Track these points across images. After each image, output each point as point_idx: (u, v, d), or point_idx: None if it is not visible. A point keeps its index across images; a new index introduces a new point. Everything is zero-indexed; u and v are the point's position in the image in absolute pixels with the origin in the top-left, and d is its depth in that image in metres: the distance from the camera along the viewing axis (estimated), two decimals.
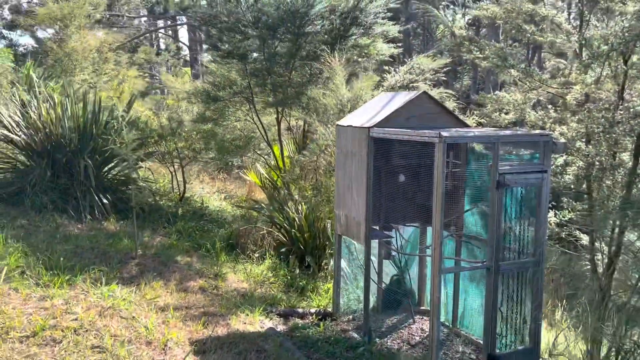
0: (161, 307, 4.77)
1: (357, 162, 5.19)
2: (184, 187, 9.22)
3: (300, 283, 6.45)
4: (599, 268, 6.32)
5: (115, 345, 3.86)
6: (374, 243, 5.58)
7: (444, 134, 4.12)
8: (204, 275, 6.01)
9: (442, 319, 5.64)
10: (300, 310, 5.75)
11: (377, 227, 5.57)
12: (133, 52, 20.23)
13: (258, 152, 10.76)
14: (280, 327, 5.21)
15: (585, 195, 6.06)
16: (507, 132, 4.68)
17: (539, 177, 4.49)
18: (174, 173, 9.35)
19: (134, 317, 4.34)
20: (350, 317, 5.77)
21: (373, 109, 5.44)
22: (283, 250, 7.17)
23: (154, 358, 3.83)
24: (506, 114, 6.92)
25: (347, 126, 5.36)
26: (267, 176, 10.24)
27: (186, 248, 6.88)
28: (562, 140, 5.07)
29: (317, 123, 6.32)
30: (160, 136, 8.23)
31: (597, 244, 6.40)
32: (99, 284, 4.88)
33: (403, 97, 5.22)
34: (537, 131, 4.90)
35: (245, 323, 4.94)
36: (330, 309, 5.83)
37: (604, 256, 6.20)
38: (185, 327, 4.49)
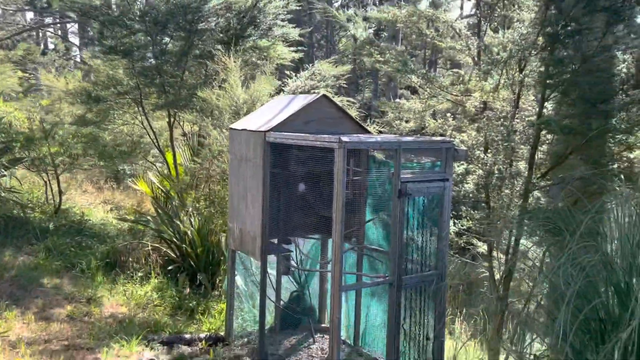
0: (11, 343, 3.94)
1: (252, 168, 4.70)
2: (60, 198, 8.16)
3: (190, 304, 5.81)
4: (496, 276, 6.33)
5: None
6: (272, 257, 5.12)
7: (345, 139, 3.76)
8: (74, 300, 5.19)
9: (343, 336, 5.29)
10: (187, 336, 5.12)
11: (275, 241, 5.12)
12: (11, 50, 18.22)
13: (150, 159, 9.91)
14: (163, 358, 4.56)
15: (484, 204, 6.04)
16: (409, 138, 4.44)
17: (441, 185, 4.28)
18: (48, 182, 8.27)
19: None
20: (246, 339, 5.24)
21: (270, 112, 5.00)
22: (171, 267, 6.47)
23: None
24: (407, 122, 6.79)
25: (242, 130, 4.86)
26: (160, 186, 9.42)
27: (56, 268, 5.97)
28: (463, 147, 4.95)
29: (211, 127, 5.75)
30: (28, 140, 7.18)
31: (494, 253, 6.42)
32: None
33: (302, 100, 4.83)
34: (439, 138, 4.73)
35: (119, 357, 4.24)
36: (222, 333, 5.26)
37: (501, 265, 6.21)
38: None
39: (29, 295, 4.94)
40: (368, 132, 5.11)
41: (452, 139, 4.39)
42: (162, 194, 9.09)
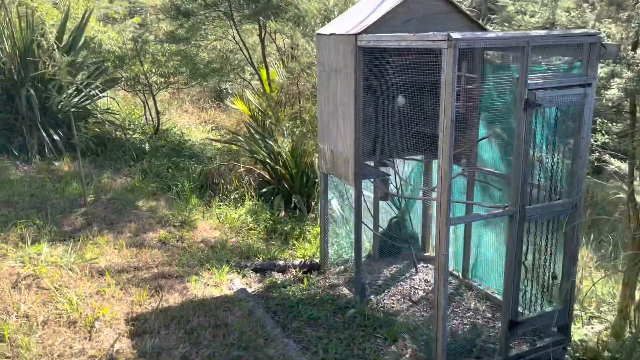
0: (100, 271, 3.84)
1: (342, 80, 4.04)
2: (157, 118, 8.11)
3: (285, 228, 5.50)
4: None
5: (20, 330, 2.95)
6: (367, 182, 4.56)
7: (455, 35, 2.94)
8: (167, 224, 5.07)
9: (451, 266, 4.71)
10: (281, 262, 4.83)
11: (371, 163, 4.52)
12: None
13: (246, 77, 9.53)
14: (255, 287, 4.31)
15: (627, 115, 4.92)
16: (540, 32, 3.49)
17: (580, 92, 3.35)
18: (146, 102, 8.22)
19: (58, 287, 3.41)
20: (342, 267, 4.86)
21: (362, 11, 4.21)
22: (266, 190, 6.17)
23: (71, 346, 2.93)
24: (531, 16, 5.63)
25: (330, 35, 4.16)
26: (256, 104, 9.09)
27: (152, 190, 5.90)
28: (612, 42, 3.86)
29: (299, 35, 5.10)
30: (119, 58, 7.01)
31: (637, 175, 5.34)
32: (22, 243, 3.93)
33: None
34: (580, 30, 3.69)
35: (208, 285, 4.03)
36: (317, 260, 4.90)
37: None
38: (126, 297, 3.57)
39: (123, 219, 4.87)
40: (483, 28, 4.18)
41: (597, 31, 3.37)
42: (259, 113, 8.76)
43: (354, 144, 4.01)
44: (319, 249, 4.95)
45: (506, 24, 5.24)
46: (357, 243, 4.35)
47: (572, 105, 3.39)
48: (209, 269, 4.28)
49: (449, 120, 3.00)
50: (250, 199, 5.97)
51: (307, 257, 5.00)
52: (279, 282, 4.43)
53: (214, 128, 10.51)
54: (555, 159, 3.56)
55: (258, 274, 4.58)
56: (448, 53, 2.93)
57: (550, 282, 3.75)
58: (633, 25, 4.26)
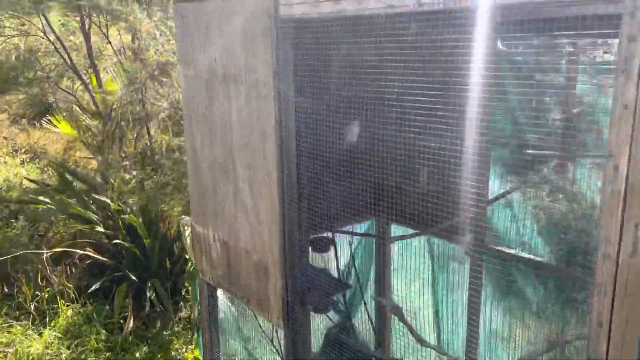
0: None
1: (245, 98, 1.79)
2: None
3: (137, 355, 3.05)
4: None
5: None
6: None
7: None
8: None
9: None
10: None
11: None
12: None
13: (65, 86, 6.69)
14: None
15: None
16: None
17: None
18: None
19: None
20: None
21: None
22: (100, 283, 3.62)
23: None
24: None
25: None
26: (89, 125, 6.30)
27: None
28: None
29: (138, 13, 2.71)
30: None
31: None
32: None
33: None
34: None
35: None
36: None
37: None
38: None
39: None
40: None
41: None
42: (94, 138, 6.00)
43: (281, 234, 1.79)
44: None
45: None
46: None
47: None
48: None
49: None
50: (67, 305, 3.39)
51: None
52: None
53: (31, 158, 7.61)
54: None
55: None
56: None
57: None
58: None
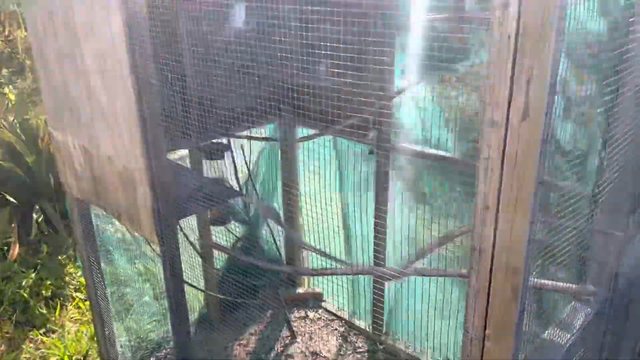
0: None
1: None
2: None
3: (23, 284, 2.77)
4: None
5: None
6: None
7: None
8: None
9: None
10: None
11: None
12: None
13: None
14: None
15: None
16: None
17: None
18: None
19: None
20: None
21: None
22: None
23: None
24: None
25: None
26: None
27: None
28: None
29: None
30: None
31: None
32: None
33: None
34: None
35: None
36: None
37: None
38: None
39: None
40: None
41: None
42: None
43: (143, 136, 1.50)
44: (95, 339, 2.40)
45: None
46: (177, 309, 1.95)
47: None
48: None
49: None
50: None
51: None
52: None
53: None
54: None
55: None
56: None
57: None
58: None
